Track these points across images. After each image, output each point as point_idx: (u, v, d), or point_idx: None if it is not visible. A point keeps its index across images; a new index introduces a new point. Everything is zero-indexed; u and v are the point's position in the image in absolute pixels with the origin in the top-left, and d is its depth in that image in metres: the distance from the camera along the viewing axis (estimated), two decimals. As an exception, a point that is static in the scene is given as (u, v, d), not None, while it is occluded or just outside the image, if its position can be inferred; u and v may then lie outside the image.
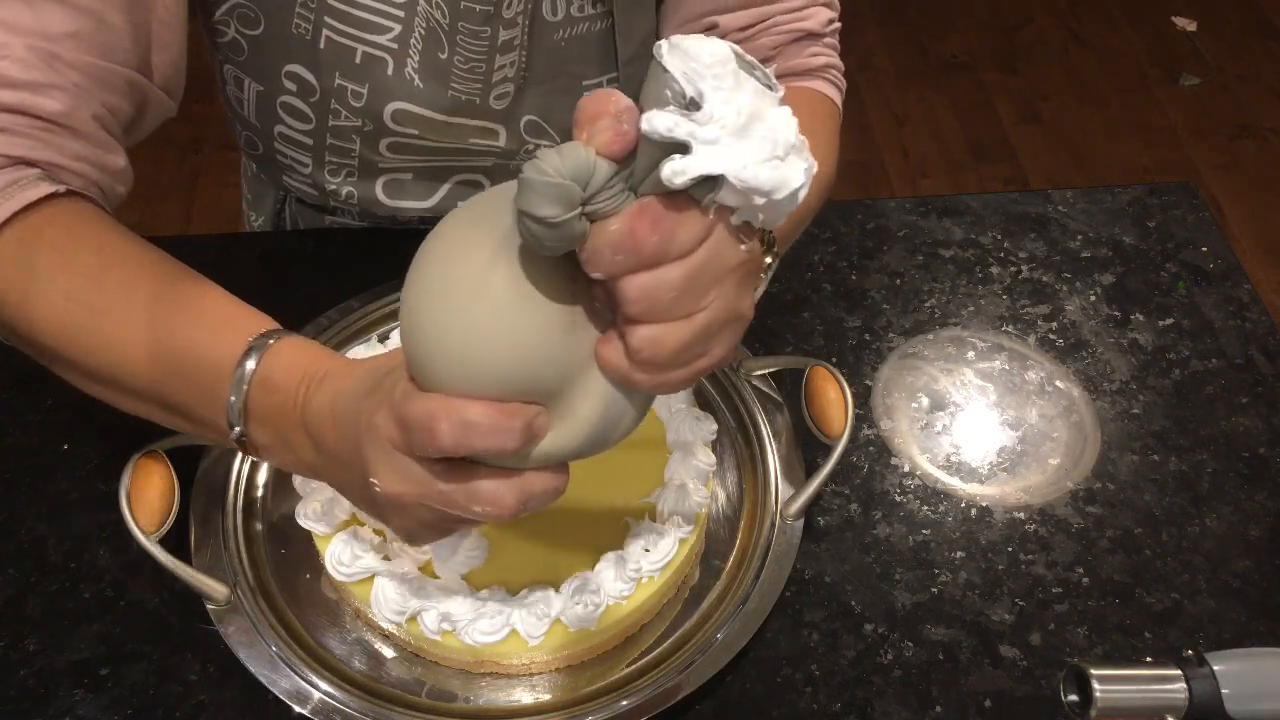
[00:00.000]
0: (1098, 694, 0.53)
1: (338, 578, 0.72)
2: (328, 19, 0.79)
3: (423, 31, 0.81)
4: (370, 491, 0.56)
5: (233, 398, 0.60)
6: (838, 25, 0.86)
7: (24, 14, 0.64)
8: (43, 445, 0.86)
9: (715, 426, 0.80)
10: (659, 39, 0.55)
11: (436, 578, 0.72)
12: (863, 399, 0.90)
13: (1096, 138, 2.51)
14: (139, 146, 0.75)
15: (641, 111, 0.47)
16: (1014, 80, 2.66)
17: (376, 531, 0.74)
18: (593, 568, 0.72)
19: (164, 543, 0.73)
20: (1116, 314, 0.97)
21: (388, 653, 0.74)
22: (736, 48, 0.47)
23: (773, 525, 0.78)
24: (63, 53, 0.65)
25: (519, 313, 0.50)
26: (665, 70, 0.46)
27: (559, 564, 0.74)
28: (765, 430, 0.83)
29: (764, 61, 0.84)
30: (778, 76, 0.85)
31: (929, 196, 1.29)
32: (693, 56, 0.46)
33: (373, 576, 0.71)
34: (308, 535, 0.74)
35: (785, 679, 0.75)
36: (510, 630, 0.70)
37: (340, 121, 0.87)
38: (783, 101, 0.48)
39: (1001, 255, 1.02)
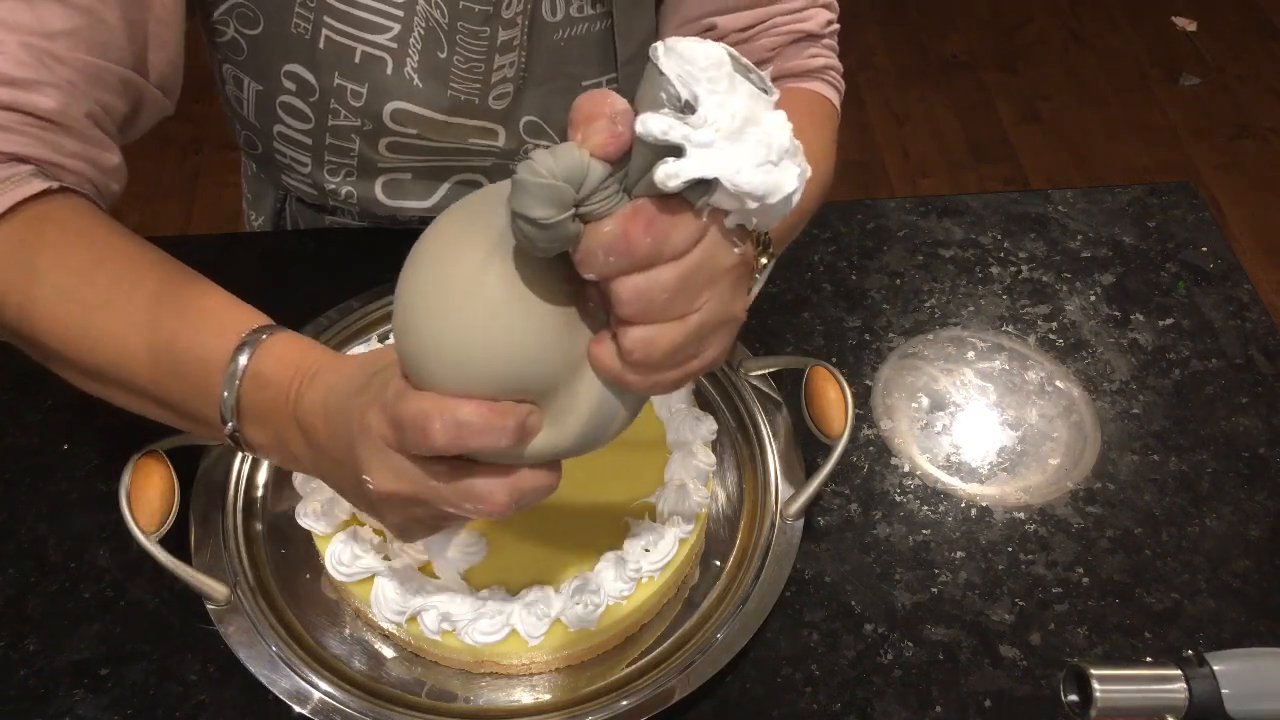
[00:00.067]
0: (1098, 694, 0.53)
1: (338, 578, 0.72)
2: (327, 18, 0.79)
3: (422, 31, 0.81)
4: (363, 488, 0.56)
5: (225, 393, 0.61)
6: (836, 26, 0.86)
7: (22, 12, 0.64)
8: (43, 445, 0.86)
9: (715, 426, 0.80)
10: (658, 40, 0.55)
11: (436, 578, 0.72)
12: (863, 399, 0.90)
13: (1096, 138, 2.51)
14: (139, 146, 0.75)
15: (637, 113, 0.47)
16: (1014, 80, 2.66)
17: (376, 531, 0.74)
18: (593, 568, 0.72)
19: (164, 543, 0.73)
20: (1116, 314, 0.97)
21: (388, 653, 0.74)
22: (732, 50, 0.47)
23: (773, 525, 0.78)
24: (58, 50, 0.65)
25: (512, 313, 0.50)
26: (661, 73, 0.46)
27: (559, 564, 0.74)
28: (765, 430, 0.83)
29: (762, 63, 0.84)
30: (776, 78, 0.86)
31: (929, 196, 1.29)
32: (688, 59, 0.46)
33: (373, 576, 0.71)
34: (308, 535, 0.74)
35: (785, 679, 0.75)
36: (510, 630, 0.70)
37: (339, 121, 0.87)
38: (778, 105, 0.48)
39: (1001, 255, 1.02)
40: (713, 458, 0.78)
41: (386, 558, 0.72)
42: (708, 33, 0.83)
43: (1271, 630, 0.78)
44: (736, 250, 0.52)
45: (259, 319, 0.63)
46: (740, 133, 0.46)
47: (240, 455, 0.81)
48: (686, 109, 0.46)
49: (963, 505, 0.84)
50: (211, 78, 0.92)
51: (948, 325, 0.96)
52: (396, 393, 0.52)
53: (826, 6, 0.85)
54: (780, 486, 0.80)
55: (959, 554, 0.81)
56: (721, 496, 0.82)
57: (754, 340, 0.92)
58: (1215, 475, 0.86)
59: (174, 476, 0.76)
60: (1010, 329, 0.96)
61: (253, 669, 0.70)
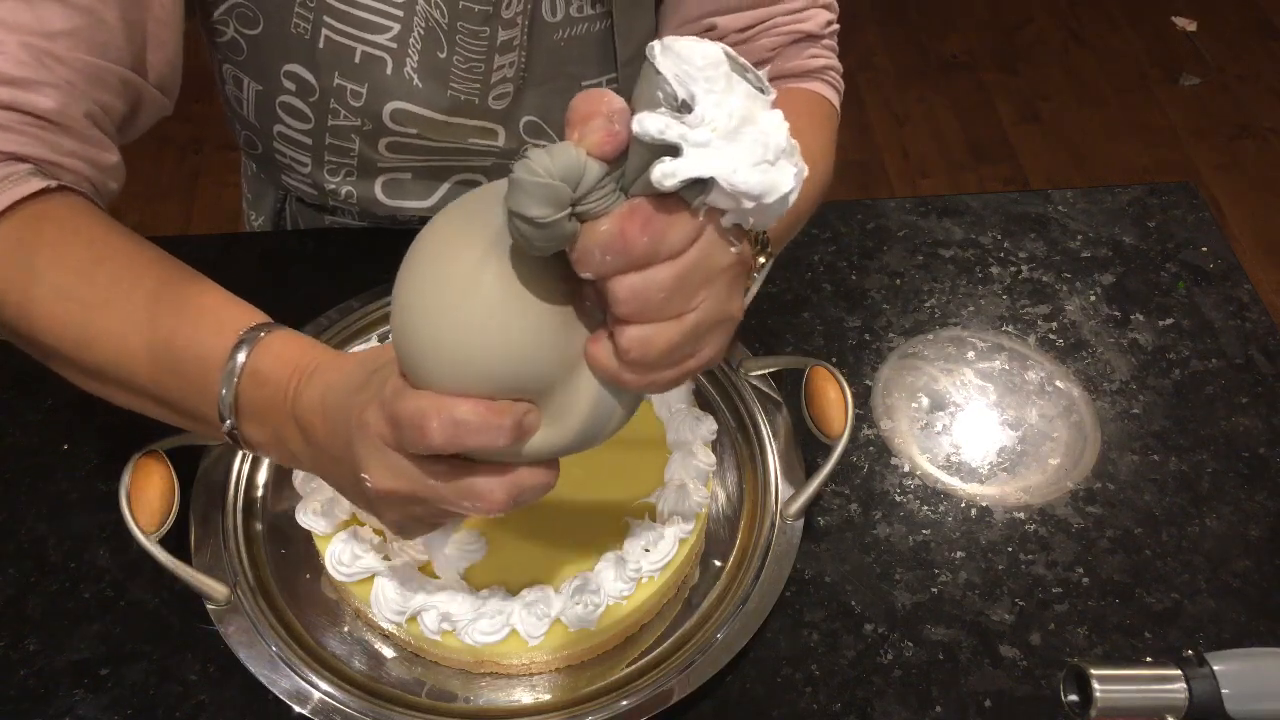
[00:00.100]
0: (1098, 694, 0.53)
1: (338, 578, 0.72)
2: (327, 18, 0.79)
3: (422, 31, 0.81)
4: (362, 486, 0.56)
5: (224, 391, 0.61)
6: (836, 27, 0.86)
7: (22, 11, 0.64)
8: (43, 445, 0.86)
9: (715, 426, 0.80)
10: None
11: (436, 578, 0.72)
12: (863, 399, 0.90)
13: (1096, 138, 2.51)
14: (139, 146, 0.75)
15: (633, 112, 0.47)
16: (1014, 80, 2.66)
17: (376, 531, 0.74)
18: (593, 568, 0.72)
19: (164, 543, 0.73)
20: (1116, 314, 0.97)
21: (388, 653, 0.74)
22: (729, 50, 0.47)
23: (773, 525, 0.78)
24: (58, 50, 0.65)
25: (510, 312, 0.50)
26: (658, 72, 0.46)
27: (559, 564, 0.74)
28: (765, 430, 0.83)
29: (762, 63, 0.84)
30: (776, 78, 0.86)
31: (929, 196, 1.29)
32: (685, 59, 0.46)
33: (373, 576, 0.71)
34: (308, 535, 0.74)
35: (785, 679, 0.75)
36: (510, 630, 0.70)
37: (339, 121, 0.87)
38: (774, 104, 0.48)
39: (1001, 255, 1.02)
40: (713, 458, 0.78)
41: (386, 558, 0.72)
42: (708, 33, 0.83)
43: (1271, 630, 0.78)
44: (733, 249, 0.52)
45: (257, 316, 0.63)
46: (737, 132, 0.46)
47: (240, 455, 0.81)
48: (683, 108, 0.46)
49: (963, 505, 0.84)
50: (211, 78, 0.92)
51: (948, 325, 0.96)
52: (394, 391, 0.52)
53: (826, 7, 0.85)
54: (780, 486, 0.80)
55: (959, 554, 0.81)
56: (721, 496, 0.82)
57: (754, 340, 0.92)
58: (1215, 475, 0.86)
59: (174, 476, 0.76)
60: (1010, 329, 0.96)
61: (253, 669, 0.70)
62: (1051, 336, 0.96)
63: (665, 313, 0.51)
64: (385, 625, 0.72)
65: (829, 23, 0.85)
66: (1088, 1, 2.86)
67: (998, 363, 0.94)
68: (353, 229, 1.03)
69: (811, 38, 0.84)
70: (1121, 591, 0.80)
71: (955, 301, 0.98)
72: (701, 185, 0.47)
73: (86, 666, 0.74)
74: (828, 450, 0.79)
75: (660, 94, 0.46)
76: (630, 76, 0.89)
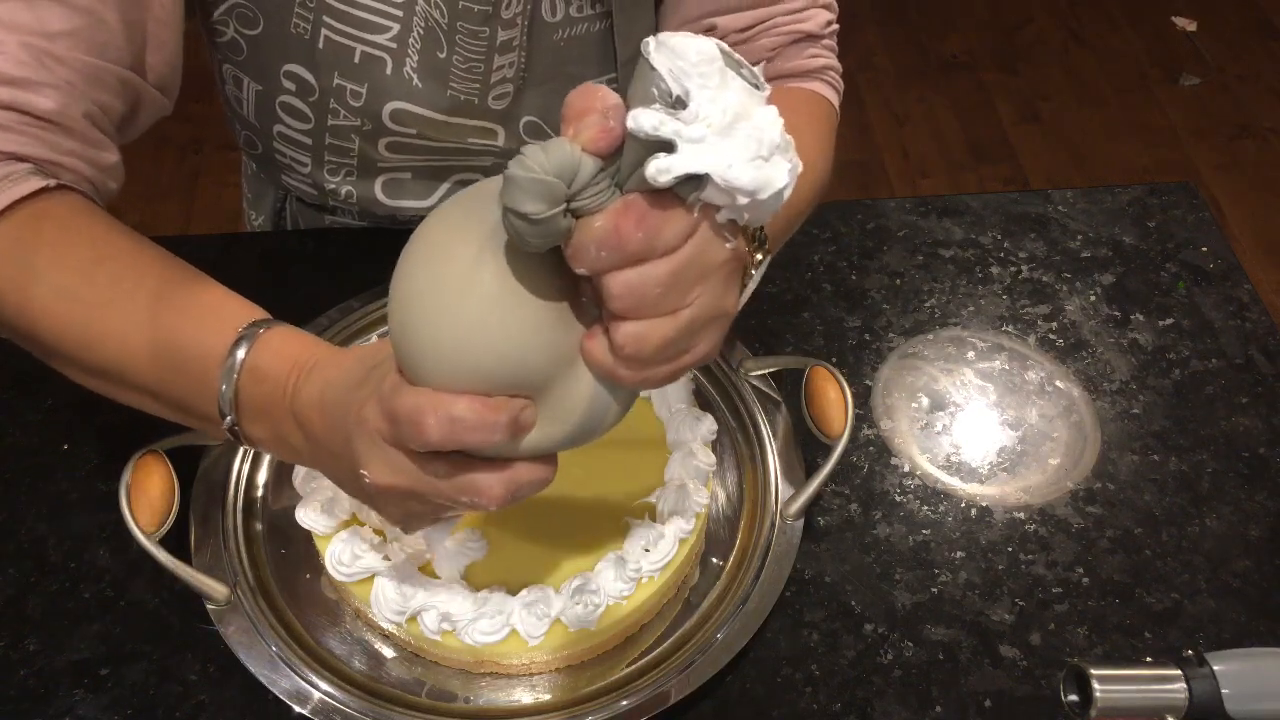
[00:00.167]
0: (1098, 694, 0.53)
1: (338, 578, 0.72)
2: (326, 19, 0.79)
3: (421, 31, 0.81)
4: (361, 482, 0.56)
5: (223, 387, 0.61)
6: (836, 27, 0.86)
7: (21, 12, 0.64)
8: (43, 445, 0.86)
9: (715, 426, 0.80)
10: None
11: (436, 577, 0.72)
12: (863, 399, 0.90)
13: (1096, 138, 2.51)
14: (138, 146, 0.75)
15: (629, 108, 0.47)
16: (1014, 80, 2.66)
17: (376, 531, 0.74)
18: (593, 568, 0.72)
19: (164, 543, 0.73)
20: (1116, 314, 0.97)
21: (388, 653, 0.74)
22: (724, 45, 0.47)
23: (773, 525, 0.78)
24: (58, 51, 0.65)
25: (506, 308, 0.50)
26: (652, 68, 0.46)
27: (559, 564, 0.74)
28: (765, 430, 0.83)
29: (762, 63, 0.83)
30: (775, 78, 0.86)
31: (929, 196, 1.29)
32: (680, 54, 0.46)
33: (373, 576, 0.71)
34: (308, 535, 0.74)
35: (785, 679, 0.75)
36: (510, 630, 0.70)
37: (339, 121, 0.87)
38: (769, 100, 0.48)
39: (1001, 255, 1.02)
40: (713, 457, 0.78)
41: (386, 558, 0.72)
42: (708, 33, 0.83)
43: (1271, 630, 0.78)
44: (728, 245, 0.52)
45: (257, 313, 0.64)
46: (731, 128, 0.46)
47: (240, 455, 0.81)
48: (678, 104, 0.46)
49: (963, 505, 0.84)
50: (211, 78, 0.92)
51: (948, 325, 0.96)
52: (392, 387, 0.53)
53: (826, 7, 0.85)
54: (780, 486, 0.80)
55: (959, 554, 0.81)
56: (721, 496, 0.82)
57: (754, 340, 0.92)
58: (1215, 475, 0.86)
59: (174, 476, 0.76)
60: (1010, 329, 0.96)
61: (253, 669, 0.70)
62: (1051, 336, 0.96)
63: (660, 308, 0.51)
64: (385, 625, 0.72)
65: (829, 23, 0.85)
66: (1088, 1, 2.86)
67: (998, 363, 0.94)
68: (353, 229, 1.03)
69: (811, 38, 0.84)
70: (1121, 591, 0.80)
71: (955, 301, 0.98)
72: (696, 181, 0.47)
73: (86, 666, 0.74)
74: (828, 450, 0.79)
75: (655, 90, 0.46)
76: (630, 77, 0.89)
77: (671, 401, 0.81)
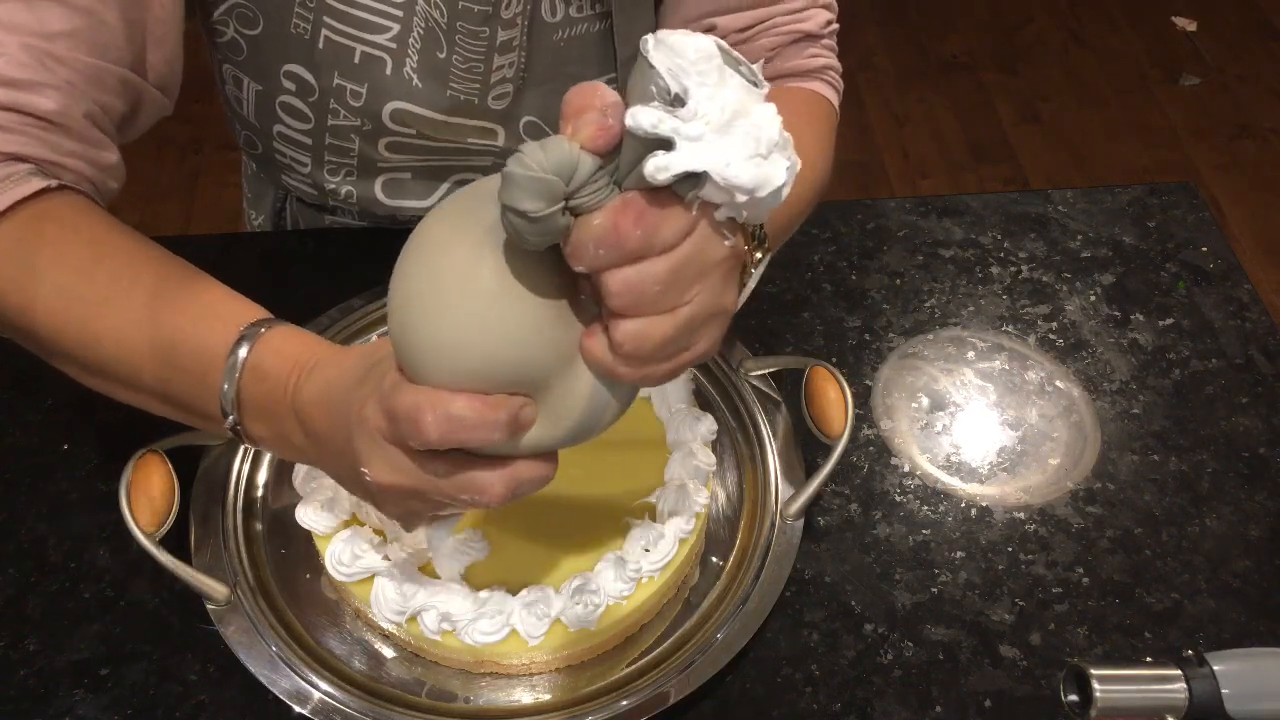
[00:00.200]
0: (1098, 694, 0.52)
1: (338, 578, 0.72)
2: (326, 19, 0.79)
3: (421, 31, 0.81)
4: (362, 480, 0.56)
5: (226, 386, 0.61)
6: (836, 27, 0.86)
7: (21, 13, 0.64)
8: (43, 445, 0.86)
9: (715, 426, 0.80)
10: None
11: (437, 577, 0.72)
12: (863, 399, 0.90)
13: (1096, 138, 2.51)
14: (139, 146, 0.75)
15: (627, 106, 0.47)
16: (1014, 80, 2.66)
17: (377, 531, 0.74)
18: (593, 568, 0.72)
19: (164, 543, 0.73)
20: (1116, 314, 0.97)
21: (388, 653, 0.74)
22: (722, 43, 0.47)
23: (773, 525, 0.78)
24: (58, 51, 0.65)
25: (505, 306, 0.50)
26: (651, 66, 0.46)
27: (559, 564, 0.74)
28: (765, 430, 0.83)
29: (760, 62, 0.83)
30: (775, 78, 0.86)
31: (929, 196, 1.29)
32: (678, 52, 0.46)
33: (373, 576, 0.71)
34: (308, 535, 0.74)
35: (785, 679, 0.75)
36: (510, 630, 0.70)
37: (339, 121, 0.87)
38: (768, 98, 0.48)
39: (1001, 255, 1.02)
40: (713, 457, 0.78)
41: (387, 558, 0.72)
42: (708, 33, 0.83)
43: (1271, 630, 0.78)
44: (727, 243, 0.52)
45: (258, 312, 0.64)
46: (729, 125, 0.46)
47: (240, 455, 0.81)
48: (676, 102, 0.46)
49: (963, 505, 0.84)
50: (211, 78, 0.92)
51: (948, 325, 0.96)
52: (392, 385, 0.53)
53: (826, 7, 0.85)
54: (780, 486, 0.80)
55: (959, 554, 0.81)
56: (721, 496, 0.82)
57: (754, 340, 0.92)
58: (1215, 475, 0.86)
59: (174, 476, 0.76)
60: (1010, 329, 0.96)
61: (253, 669, 0.70)
62: (1051, 336, 0.96)
63: (659, 306, 0.51)
64: (385, 625, 0.72)
65: (828, 22, 0.85)
66: (1088, 1, 2.86)
67: (998, 363, 0.94)
68: (353, 229, 1.03)
69: (811, 37, 0.84)
70: (1121, 591, 0.80)
71: (955, 301, 0.98)
72: (695, 179, 0.47)
73: (86, 666, 0.74)
74: (828, 450, 0.79)
75: (653, 87, 0.46)
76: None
77: (671, 401, 0.81)
